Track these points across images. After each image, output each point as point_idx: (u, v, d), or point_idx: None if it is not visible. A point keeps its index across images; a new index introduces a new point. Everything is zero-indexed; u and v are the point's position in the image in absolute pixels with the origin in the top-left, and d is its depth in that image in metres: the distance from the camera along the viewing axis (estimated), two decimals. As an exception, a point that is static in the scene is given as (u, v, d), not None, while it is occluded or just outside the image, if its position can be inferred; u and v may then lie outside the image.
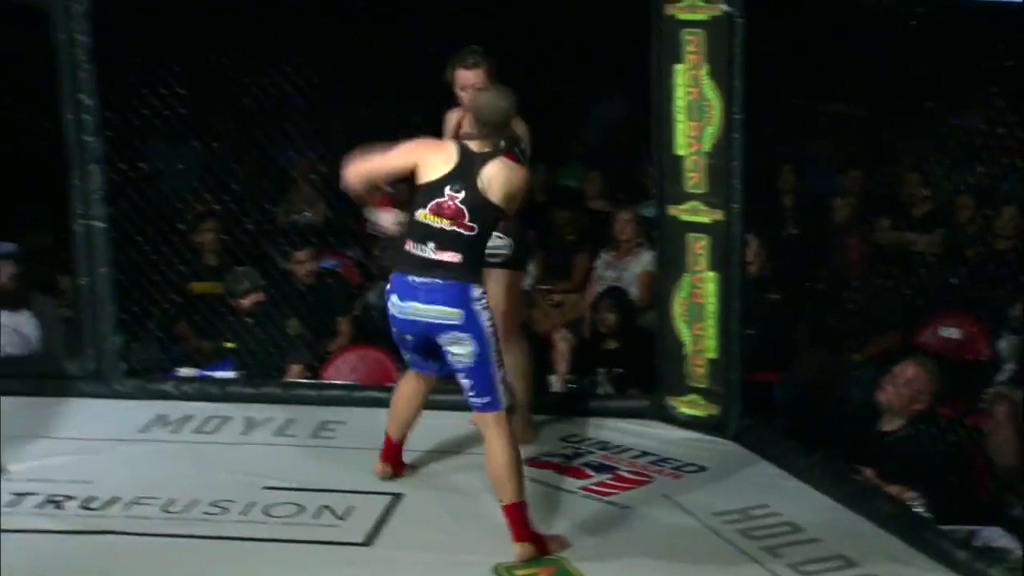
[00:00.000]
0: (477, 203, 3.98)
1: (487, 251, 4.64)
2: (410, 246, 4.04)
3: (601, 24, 6.12)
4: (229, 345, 5.81)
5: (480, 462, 4.72)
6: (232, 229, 6.23)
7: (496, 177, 3.99)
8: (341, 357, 5.81)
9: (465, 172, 4.01)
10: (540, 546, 4.03)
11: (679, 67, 4.92)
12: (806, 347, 5.71)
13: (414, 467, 4.66)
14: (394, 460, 4.57)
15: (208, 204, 6.21)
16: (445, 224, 3.98)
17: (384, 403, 5.13)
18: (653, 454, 4.88)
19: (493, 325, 4.02)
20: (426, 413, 4.93)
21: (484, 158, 4.02)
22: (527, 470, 4.65)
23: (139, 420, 5.15)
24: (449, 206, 3.98)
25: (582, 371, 5.75)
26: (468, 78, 4.60)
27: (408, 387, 4.46)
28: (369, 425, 4.84)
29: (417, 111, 5.15)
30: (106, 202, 5.32)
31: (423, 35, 6.25)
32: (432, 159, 4.06)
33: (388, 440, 4.56)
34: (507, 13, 6.30)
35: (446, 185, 4.00)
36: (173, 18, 5.60)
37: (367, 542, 4.14)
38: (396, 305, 4.07)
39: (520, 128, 4.40)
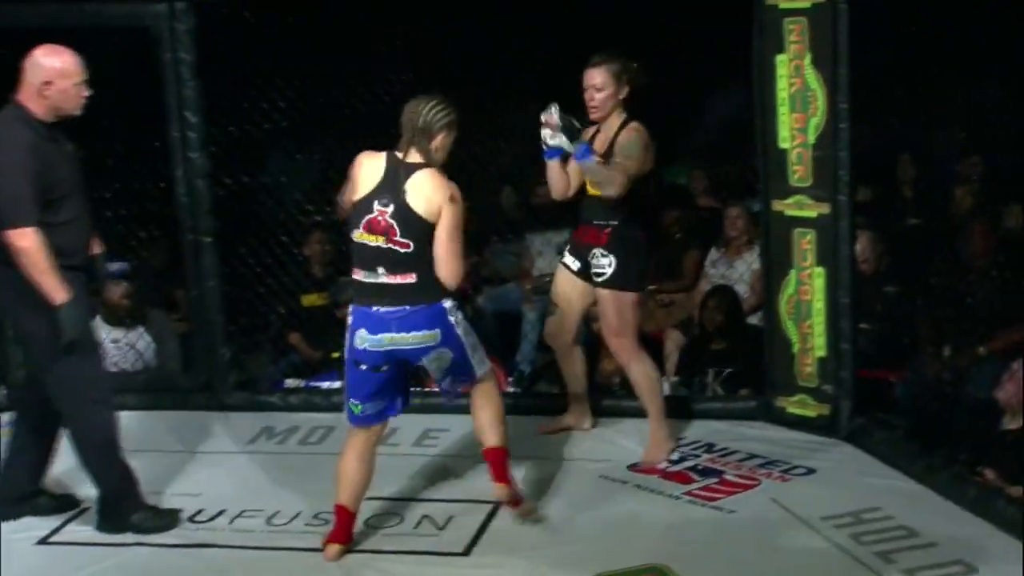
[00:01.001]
0: (406, 217, 3.82)
1: (594, 270, 4.57)
2: (359, 274, 3.90)
3: (705, 19, 5.97)
4: (335, 355, 5.84)
5: (582, 469, 4.68)
6: (336, 240, 6.26)
7: (420, 188, 3.81)
8: (446, 364, 5.77)
9: (392, 184, 3.84)
10: (515, 494, 4.19)
11: (781, 57, 4.79)
12: (927, 343, 5.49)
13: (515, 476, 4.60)
14: (348, 535, 4.10)
15: (311, 216, 6.25)
16: (381, 242, 3.83)
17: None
18: (760, 456, 4.75)
19: (463, 317, 3.99)
20: (526, 419, 4.90)
21: (411, 169, 3.85)
22: (634, 477, 4.62)
23: (247, 432, 5.22)
24: (379, 222, 3.82)
25: (691, 372, 5.62)
26: (590, 76, 4.51)
27: (356, 450, 4.13)
28: (472, 432, 4.79)
29: (536, 116, 5.08)
30: (212, 216, 5.38)
31: (539, 37, 6.19)
32: (363, 173, 3.90)
33: (342, 512, 4.06)
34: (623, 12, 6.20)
35: (374, 200, 3.84)
36: (275, 32, 5.65)
37: (466, 552, 4.11)
38: (367, 339, 3.90)
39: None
